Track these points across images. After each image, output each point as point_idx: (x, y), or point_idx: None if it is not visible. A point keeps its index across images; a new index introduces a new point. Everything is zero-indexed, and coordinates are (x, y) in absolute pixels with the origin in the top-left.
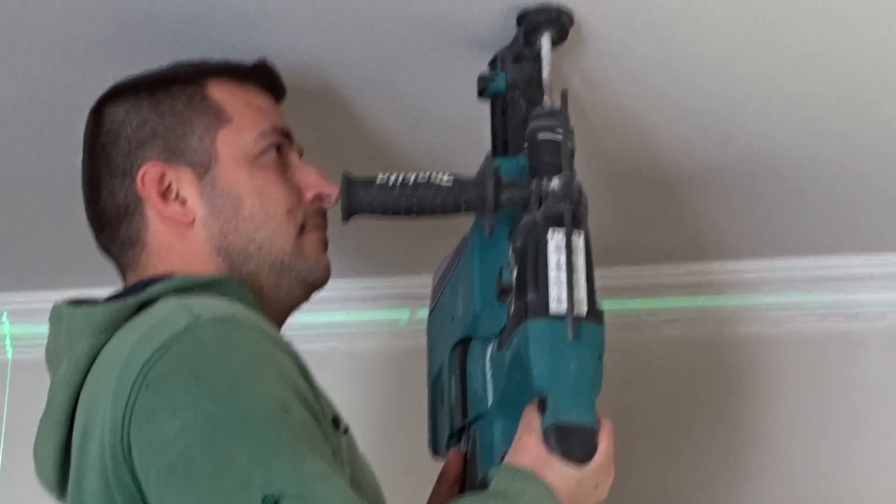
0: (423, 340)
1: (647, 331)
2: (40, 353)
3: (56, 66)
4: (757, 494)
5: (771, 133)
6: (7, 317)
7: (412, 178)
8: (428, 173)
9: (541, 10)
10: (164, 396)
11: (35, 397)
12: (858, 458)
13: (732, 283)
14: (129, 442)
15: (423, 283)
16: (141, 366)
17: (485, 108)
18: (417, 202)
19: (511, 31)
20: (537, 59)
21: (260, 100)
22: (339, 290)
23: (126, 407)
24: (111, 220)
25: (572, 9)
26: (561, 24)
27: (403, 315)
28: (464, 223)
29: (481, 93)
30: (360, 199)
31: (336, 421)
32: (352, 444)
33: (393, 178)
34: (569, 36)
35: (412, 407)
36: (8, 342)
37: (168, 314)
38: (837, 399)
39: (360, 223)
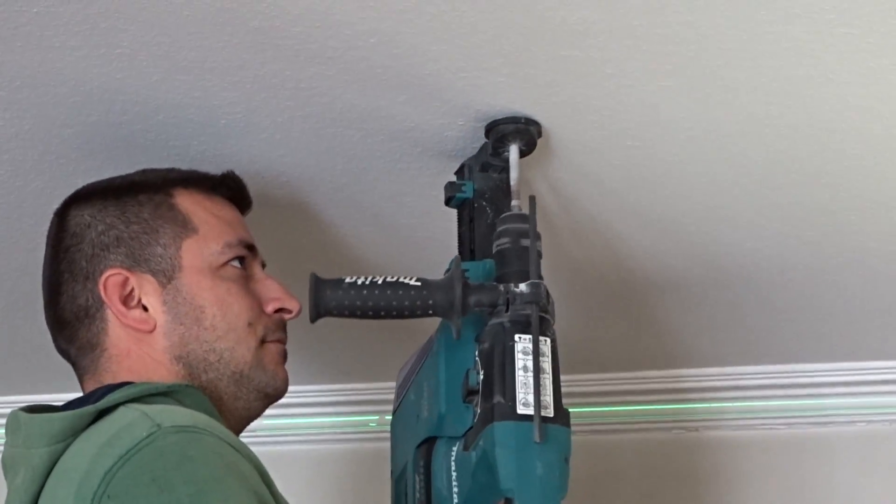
0: (387, 443)
1: (615, 435)
2: None
3: (26, 173)
4: None
5: (738, 242)
6: None
7: (380, 280)
8: (396, 276)
9: (510, 121)
10: None
11: None
12: None
13: (700, 389)
14: None
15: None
16: (102, 476)
17: (452, 214)
18: (385, 303)
19: (479, 140)
20: (504, 168)
21: (226, 211)
22: (308, 395)
23: None
24: (71, 322)
25: (541, 120)
26: (529, 135)
27: (372, 419)
28: (430, 327)
29: (448, 201)
30: (328, 299)
31: None
32: None
33: (361, 279)
34: (537, 146)
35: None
36: None
37: (128, 423)
38: (805, 500)
39: (331, 330)
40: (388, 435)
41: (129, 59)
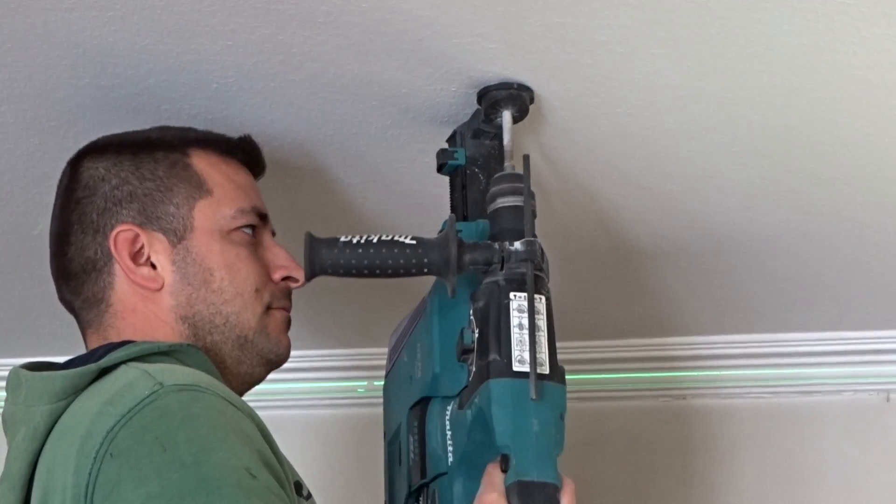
0: (379, 409)
1: (603, 402)
2: None
3: (17, 136)
4: None
5: (729, 210)
6: None
7: (375, 238)
8: (391, 235)
9: (502, 87)
10: (128, 466)
11: None
12: None
13: (688, 357)
14: None
15: (380, 354)
16: (104, 435)
17: (445, 180)
18: (380, 262)
19: (471, 107)
20: (496, 135)
21: (241, 176)
22: (299, 360)
23: (90, 476)
24: (77, 274)
25: (533, 86)
26: (521, 101)
27: (360, 385)
28: (421, 291)
29: (440, 168)
30: (323, 258)
31: (298, 486)
32: None
33: (356, 238)
34: (529, 113)
35: (368, 471)
36: None
37: (130, 381)
38: (793, 469)
39: (320, 296)
40: (377, 400)
41: (122, 21)
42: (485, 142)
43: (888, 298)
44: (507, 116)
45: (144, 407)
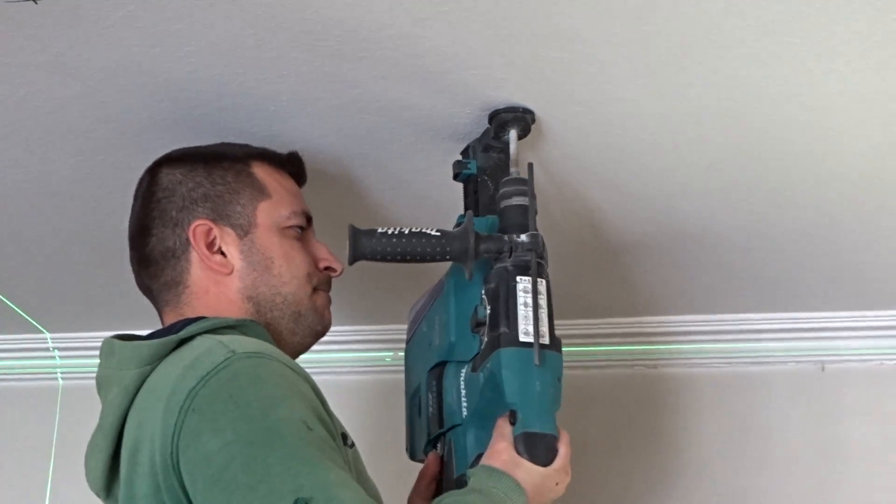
0: (402, 375)
1: (585, 371)
2: (84, 382)
3: (107, 149)
4: None
5: (695, 211)
6: (57, 352)
7: (406, 230)
8: (420, 227)
9: (509, 110)
10: (207, 419)
11: (79, 417)
12: (770, 478)
13: (659, 333)
14: (177, 456)
15: (404, 329)
16: (187, 393)
17: (458, 187)
18: (411, 249)
19: (482, 126)
20: (503, 149)
21: (290, 184)
22: (336, 334)
23: (175, 427)
24: (157, 261)
25: (535, 109)
26: (525, 122)
27: (388, 355)
28: (435, 277)
29: (456, 176)
30: (363, 245)
31: (344, 437)
32: (357, 457)
33: (391, 230)
34: (531, 131)
35: (392, 428)
36: (58, 372)
37: (207, 349)
38: (745, 428)
39: (354, 281)
40: (401, 368)
41: (196, 55)
42: (493, 155)
43: (823, 284)
44: (513, 134)
45: (220, 370)
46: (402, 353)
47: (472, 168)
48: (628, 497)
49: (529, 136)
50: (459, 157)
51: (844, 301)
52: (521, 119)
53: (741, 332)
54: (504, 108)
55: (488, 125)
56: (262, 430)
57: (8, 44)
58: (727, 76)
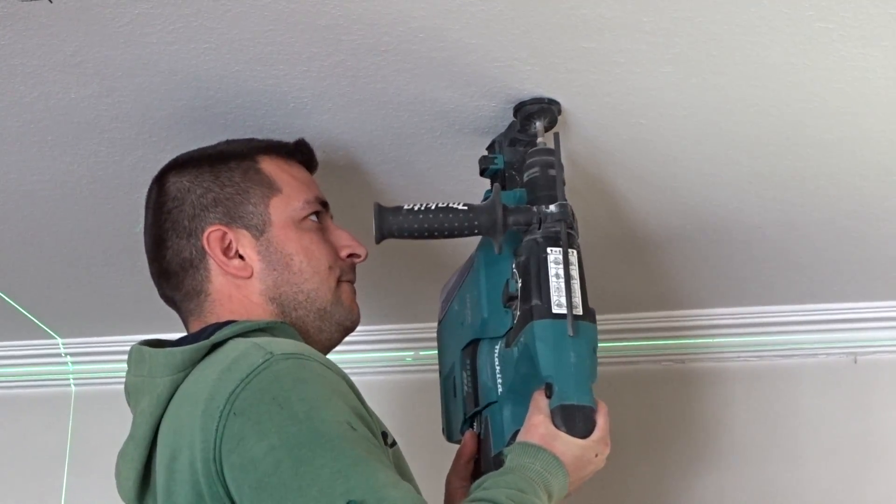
0: (424, 375)
1: (614, 367)
2: (97, 387)
3: (124, 149)
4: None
5: (724, 203)
6: (70, 358)
7: (433, 205)
8: (446, 202)
9: (535, 102)
10: (251, 422)
11: (92, 423)
12: (802, 471)
13: (687, 327)
14: (220, 461)
15: (423, 328)
16: (227, 397)
17: (482, 182)
18: (438, 225)
19: (507, 119)
20: (530, 142)
21: (301, 173)
22: (357, 335)
23: (216, 432)
24: (177, 272)
25: (561, 101)
26: (551, 114)
27: (408, 355)
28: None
29: (483, 172)
30: (389, 223)
31: (384, 436)
32: (398, 455)
33: (417, 205)
34: (557, 123)
35: (414, 427)
36: (71, 378)
37: (243, 352)
38: (779, 423)
39: (374, 280)
40: (423, 368)
41: (214, 52)
42: (519, 149)
43: (855, 275)
44: (538, 126)
45: (260, 372)
46: (423, 352)
47: (500, 163)
48: (660, 492)
49: (555, 129)
50: (485, 153)
51: (877, 291)
52: (548, 110)
53: (771, 324)
54: (529, 101)
55: (514, 118)
56: (308, 433)
57: (23, 43)
58: (757, 64)
